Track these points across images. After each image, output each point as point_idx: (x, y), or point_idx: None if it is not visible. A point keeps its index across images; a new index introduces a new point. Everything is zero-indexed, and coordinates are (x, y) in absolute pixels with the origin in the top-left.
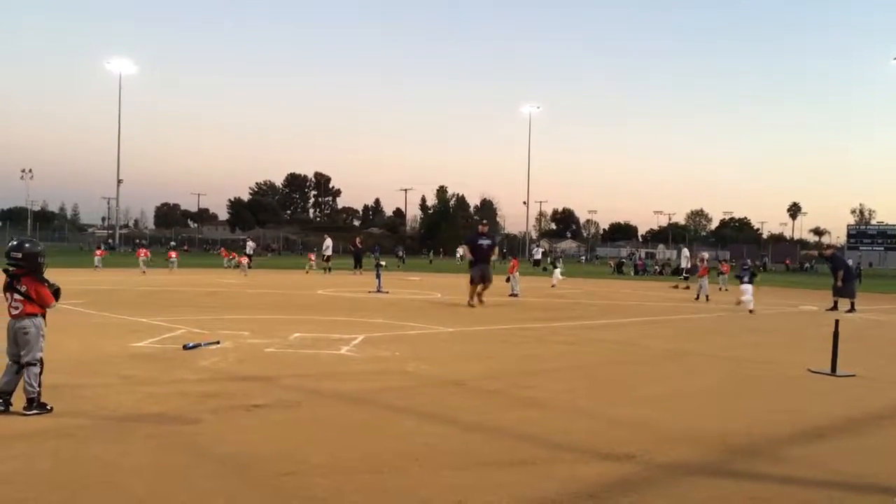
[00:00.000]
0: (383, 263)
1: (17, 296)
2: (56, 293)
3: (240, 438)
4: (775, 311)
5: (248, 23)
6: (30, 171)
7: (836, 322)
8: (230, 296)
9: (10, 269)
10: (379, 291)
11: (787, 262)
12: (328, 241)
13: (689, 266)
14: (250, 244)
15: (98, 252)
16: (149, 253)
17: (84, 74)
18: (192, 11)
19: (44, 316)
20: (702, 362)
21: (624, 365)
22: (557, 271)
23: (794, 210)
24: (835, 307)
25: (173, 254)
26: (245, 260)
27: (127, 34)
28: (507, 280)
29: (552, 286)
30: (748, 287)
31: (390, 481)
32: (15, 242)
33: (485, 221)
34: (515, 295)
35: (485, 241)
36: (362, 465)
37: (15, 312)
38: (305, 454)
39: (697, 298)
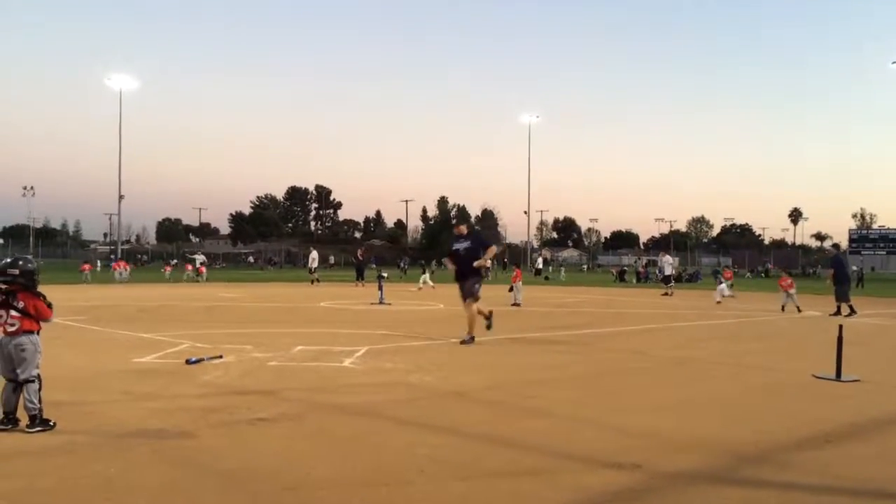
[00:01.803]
0: (385, 275)
1: (13, 312)
2: (50, 307)
3: (243, 453)
4: (778, 317)
5: (247, 37)
6: (31, 188)
7: (840, 327)
8: (232, 310)
9: (3, 286)
10: (381, 303)
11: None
12: (314, 254)
13: (673, 273)
14: (198, 257)
15: (85, 267)
16: (127, 265)
17: (84, 91)
18: (190, 26)
19: (38, 332)
20: (706, 369)
21: (627, 373)
22: (426, 276)
23: (796, 215)
24: (837, 312)
25: (120, 265)
26: (190, 267)
27: (126, 50)
28: (511, 289)
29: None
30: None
31: (395, 493)
32: (9, 260)
33: (456, 220)
34: (518, 304)
35: (461, 245)
36: (366, 478)
37: (11, 329)
38: (309, 467)
39: (783, 309)
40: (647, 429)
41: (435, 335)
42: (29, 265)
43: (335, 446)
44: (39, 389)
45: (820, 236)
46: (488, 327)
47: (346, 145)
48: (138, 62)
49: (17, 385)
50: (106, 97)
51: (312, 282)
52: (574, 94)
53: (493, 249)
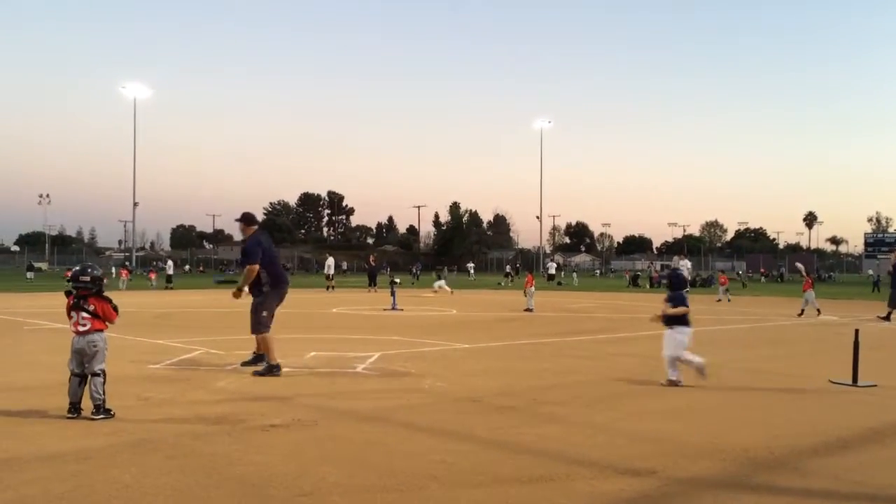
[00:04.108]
0: (398, 281)
1: (84, 314)
2: (115, 310)
3: (257, 459)
4: (793, 322)
5: (260, 43)
6: (47, 196)
7: (857, 332)
8: (245, 316)
9: (74, 290)
10: (394, 309)
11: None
12: (330, 260)
13: (689, 278)
14: (170, 263)
15: (123, 273)
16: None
17: (99, 99)
18: (203, 33)
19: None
20: (721, 375)
21: (642, 378)
22: (441, 281)
23: (810, 219)
24: (887, 317)
25: (124, 272)
26: (154, 275)
27: (140, 58)
28: (525, 294)
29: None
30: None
31: (408, 499)
32: (79, 268)
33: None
34: (530, 310)
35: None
36: (380, 484)
37: (83, 329)
38: (323, 473)
39: (801, 314)
40: (661, 434)
41: (448, 341)
42: (96, 272)
43: (348, 452)
44: (104, 382)
45: (835, 240)
46: (246, 363)
47: (359, 151)
48: (152, 70)
49: (82, 379)
50: (120, 105)
51: (328, 288)
52: (586, 99)
53: (249, 270)
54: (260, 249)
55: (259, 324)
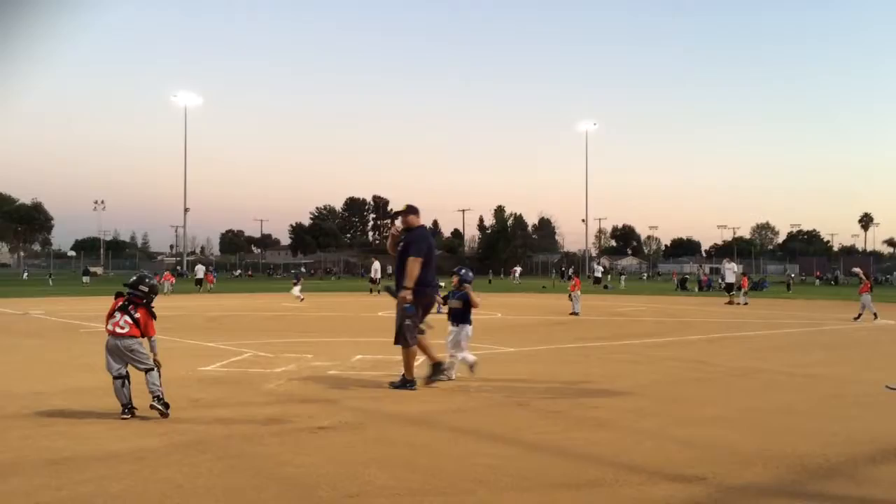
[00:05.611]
0: (442, 284)
1: (127, 318)
2: (154, 329)
3: (305, 460)
4: (848, 327)
5: (307, 49)
6: (102, 202)
7: None
8: (293, 319)
9: (126, 294)
10: (439, 312)
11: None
12: (376, 264)
13: (735, 281)
14: (199, 267)
15: (168, 277)
16: (172, 277)
17: (152, 108)
18: (251, 41)
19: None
20: (773, 380)
21: (691, 383)
22: (296, 289)
23: (866, 221)
24: None
25: (170, 278)
26: (173, 279)
27: (191, 66)
28: (570, 298)
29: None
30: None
31: (454, 503)
32: (136, 278)
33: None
34: (576, 313)
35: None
36: (426, 487)
37: (122, 332)
38: (370, 476)
39: (857, 318)
40: (711, 440)
41: (493, 344)
42: (153, 282)
43: (395, 455)
44: (160, 375)
45: (892, 242)
46: (430, 379)
47: (404, 155)
48: (202, 78)
49: (124, 381)
50: (172, 113)
51: (371, 291)
52: (631, 100)
53: (413, 262)
54: (426, 244)
55: (399, 334)
